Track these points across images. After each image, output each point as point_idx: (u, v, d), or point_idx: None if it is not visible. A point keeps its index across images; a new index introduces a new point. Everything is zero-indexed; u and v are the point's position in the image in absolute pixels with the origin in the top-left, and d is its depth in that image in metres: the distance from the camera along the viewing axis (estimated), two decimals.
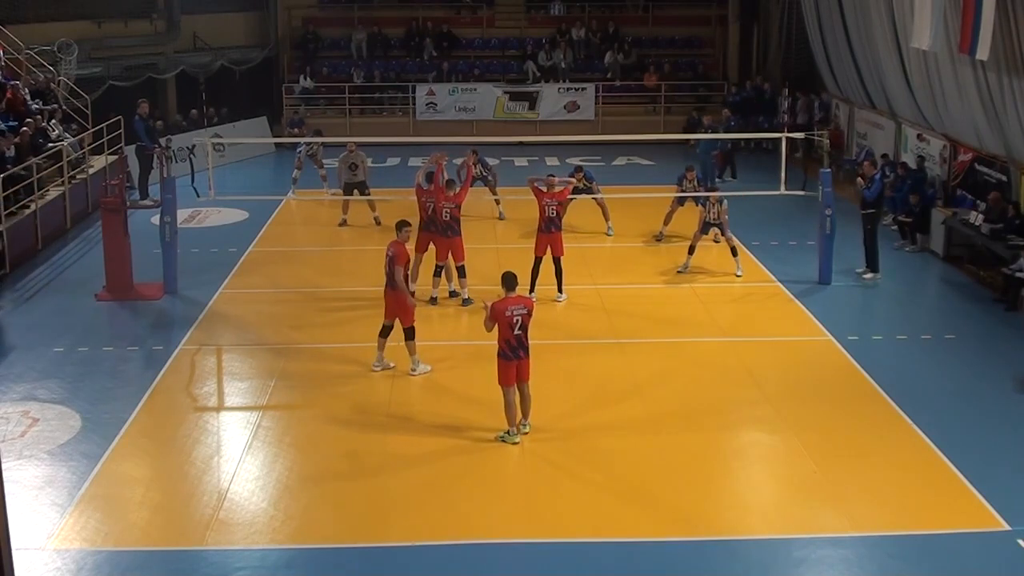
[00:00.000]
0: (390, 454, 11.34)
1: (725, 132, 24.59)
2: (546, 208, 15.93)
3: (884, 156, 21.39)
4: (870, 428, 11.96)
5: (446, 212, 15.74)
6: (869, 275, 17.24)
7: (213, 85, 29.50)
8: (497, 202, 21.07)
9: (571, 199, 18.10)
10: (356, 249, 19.30)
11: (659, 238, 19.44)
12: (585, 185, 19.24)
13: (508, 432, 11.58)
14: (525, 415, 11.69)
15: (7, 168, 18.43)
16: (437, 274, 16.03)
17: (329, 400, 12.76)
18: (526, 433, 11.65)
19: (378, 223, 20.18)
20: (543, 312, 15.61)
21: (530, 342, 11.53)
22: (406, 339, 13.27)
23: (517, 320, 11.26)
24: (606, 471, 10.97)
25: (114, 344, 14.76)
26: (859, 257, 17.38)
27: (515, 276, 11.63)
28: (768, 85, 28.86)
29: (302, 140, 23.42)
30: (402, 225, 13.56)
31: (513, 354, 11.33)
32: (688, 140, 27.44)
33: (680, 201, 19.30)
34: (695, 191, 18.84)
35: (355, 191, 20.44)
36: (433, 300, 16.00)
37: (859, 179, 17.57)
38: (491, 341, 11.60)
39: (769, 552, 9.57)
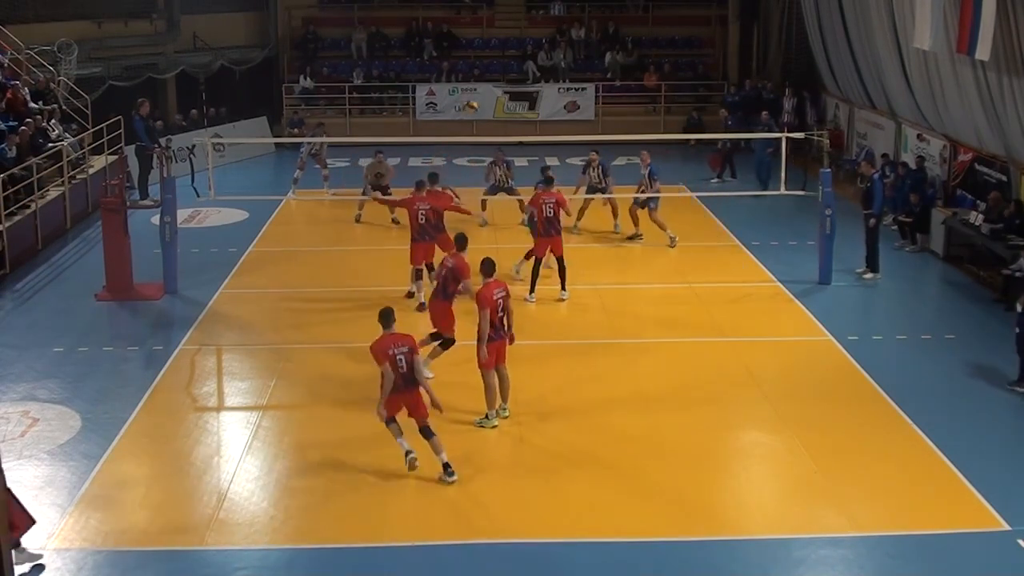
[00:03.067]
0: (391, 454, 11.30)
1: (724, 132, 24.56)
2: (544, 208, 15.91)
3: (884, 156, 21.39)
4: (870, 428, 11.96)
5: (422, 215, 15.39)
6: (869, 275, 17.25)
7: (213, 85, 29.51)
8: (520, 203, 20.41)
9: (589, 199, 18.83)
10: (357, 249, 19.29)
11: (632, 237, 19.35)
12: (600, 179, 19.06)
13: (487, 416, 11.80)
14: (505, 398, 11.92)
15: (7, 168, 18.45)
16: (418, 278, 15.81)
17: (329, 400, 12.76)
18: (506, 417, 11.86)
19: (396, 223, 20.05)
20: (543, 312, 15.65)
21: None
22: (438, 343, 12.96)
23: (500, 302, 11.69)
24: (606, 471, 10.97)
25: (114, 344, 14.77)
26: (859, 257, 17.38)
27: (493, 261, 11.89)
28: (770, 85, 28.85)
29: (304, 140, 23.41)
30: (463, 238, 13.14)
31: (496, 335, 11.68)
32: (688, 140, 27.45)
33: (640, 203, 19.00)
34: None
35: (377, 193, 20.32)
36: (421, 305, 15.72)
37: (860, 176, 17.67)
38: None
39: (769, 552, 9.57)
